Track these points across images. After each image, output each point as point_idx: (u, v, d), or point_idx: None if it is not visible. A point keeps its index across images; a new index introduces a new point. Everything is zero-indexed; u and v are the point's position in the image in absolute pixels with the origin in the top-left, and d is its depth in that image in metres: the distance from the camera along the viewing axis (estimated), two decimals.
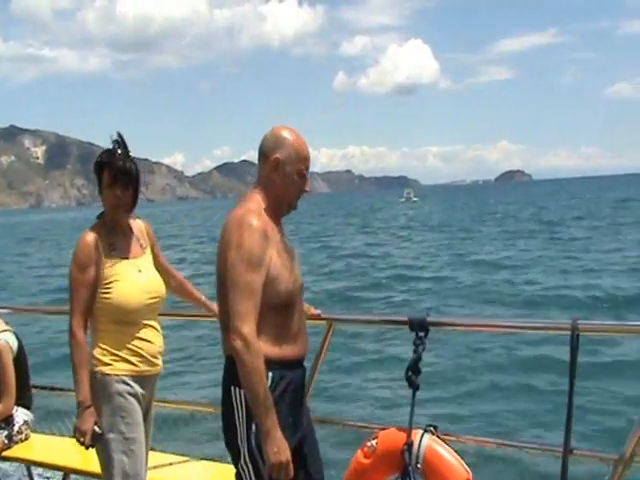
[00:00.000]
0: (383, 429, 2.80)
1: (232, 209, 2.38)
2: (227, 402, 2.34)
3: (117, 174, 2.73)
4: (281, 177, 2.40)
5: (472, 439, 2.87)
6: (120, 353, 2.73)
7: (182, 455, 3.71)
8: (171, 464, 3.55)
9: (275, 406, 2.23)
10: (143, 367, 2.78)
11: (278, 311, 2.33)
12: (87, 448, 2.67)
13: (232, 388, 2.32)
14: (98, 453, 2.75)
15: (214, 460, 3.64)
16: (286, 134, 2.43)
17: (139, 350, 2.76)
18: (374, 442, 2.73)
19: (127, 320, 2.73)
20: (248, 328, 2.20)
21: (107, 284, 2.71)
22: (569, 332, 2.51)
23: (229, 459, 2.42)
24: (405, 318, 2.83)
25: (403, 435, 2.67)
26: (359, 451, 2.75)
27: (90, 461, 3.07)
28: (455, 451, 2.62)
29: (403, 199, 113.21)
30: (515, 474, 5.82)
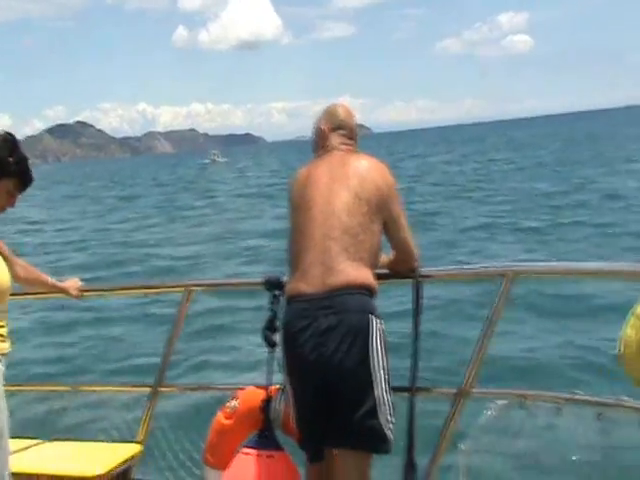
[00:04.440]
0: (244, 389, 2.86)
1: (361, 159, 2.64)
2: (361, 332, 2.39)
3: None
4: None
5: None
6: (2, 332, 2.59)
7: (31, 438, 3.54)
8: (27, 448, 3.39)
9: None
10: (7, 345, 2.63)
11: None
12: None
13: (371, 317, 2.41)
14: None
15: (67, 440, 3.53)
16: None
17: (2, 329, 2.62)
18: (235, 402, 2.78)
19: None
20: None
21: None
22: (412, 280, 2.70)
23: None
24: (260, 280, 2.89)
25: (262, 393, 2.75)
26: (219, 413, 2.80)
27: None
28: None
29: (208, 160, 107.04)
30: None
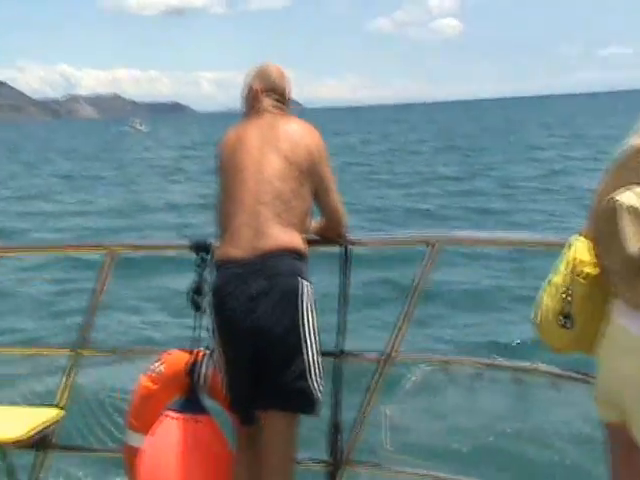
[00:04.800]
0: (169, 353, 2.83)
1: (292, 122, 2.60)
2: (292, 295, 2.39)
3: None
4: None
5: None
6: None
7: None
8: None
9: None
10: None
11: None
12: None
13: (302, 280, 2.42)
14: None
15: None
16: None
17: None
18: (160, 366, 2.75)
19: None
20: None
21: None
22: (341, 246, 2.72)
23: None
24: (187, 242, 2.85)
25: (188, 356, 2.72)
26: (143, 376, 2.75)
27: None
28: None
29: (128, 128, 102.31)
30: None
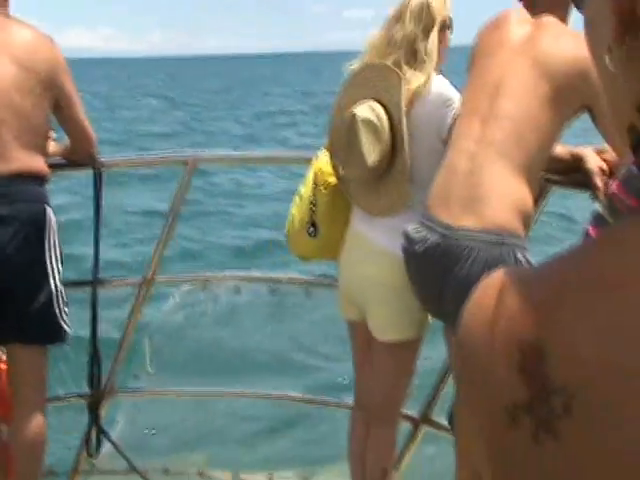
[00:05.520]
0: None
1: (23, 27, 2.27)
2: (37, 223, 2.21)
3: None
4: None
5: None
6: None
7: None
8: None
9: None
10: None
11: None
12: None
13: (47, 208, 2.23)
14: None
15: None
16: None
17: None
18: None
19: None
20: None
21: None
22: (92, 169, 2.56)
23: None
24: None
25: None
26: None
27: None
28: None
29: None
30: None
